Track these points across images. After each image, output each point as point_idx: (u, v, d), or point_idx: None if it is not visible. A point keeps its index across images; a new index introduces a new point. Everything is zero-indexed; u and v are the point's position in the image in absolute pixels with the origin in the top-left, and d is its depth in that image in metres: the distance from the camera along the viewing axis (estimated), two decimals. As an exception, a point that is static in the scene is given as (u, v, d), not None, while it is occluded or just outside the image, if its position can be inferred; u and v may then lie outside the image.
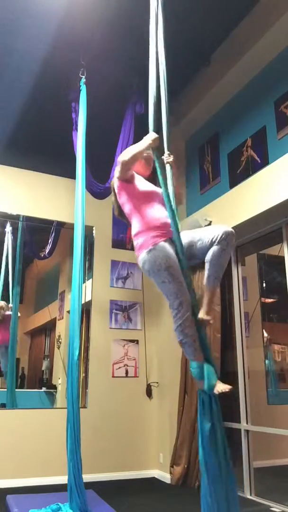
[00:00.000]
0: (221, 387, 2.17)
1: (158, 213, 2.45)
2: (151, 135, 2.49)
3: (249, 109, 4.33)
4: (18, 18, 3.82)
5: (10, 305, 5.44)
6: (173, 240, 2.35)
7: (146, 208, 2.48)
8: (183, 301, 2.25)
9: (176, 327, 2.26)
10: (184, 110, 5.05)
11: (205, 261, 2.39)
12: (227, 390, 2.15)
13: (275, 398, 5.06)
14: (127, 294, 5.26)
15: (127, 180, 2.57)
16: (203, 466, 2.17)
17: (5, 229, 5.49)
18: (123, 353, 5.07)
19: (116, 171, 2.57)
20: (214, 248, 2.34)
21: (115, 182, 2.64)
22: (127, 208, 2.57)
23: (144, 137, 2.49)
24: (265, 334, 5.19)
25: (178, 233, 2.34)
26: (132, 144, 2.72)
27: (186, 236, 2.45)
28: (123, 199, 2.59)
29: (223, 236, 2.33)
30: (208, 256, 2.36)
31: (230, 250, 2.39)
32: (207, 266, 2.39)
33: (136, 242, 2.44)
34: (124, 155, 2.49)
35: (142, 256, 2.37)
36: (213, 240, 2.33)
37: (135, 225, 2.49)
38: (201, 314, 2.35)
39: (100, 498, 3.47)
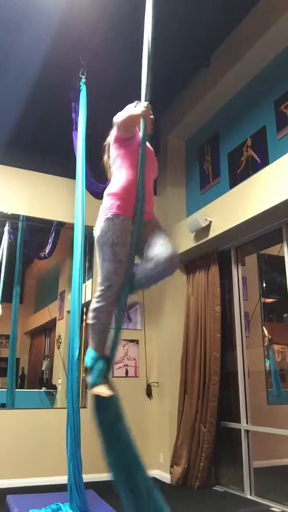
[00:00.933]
0: (101, 390, 2.03)
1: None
2: (144, 103, 2.26)
3: (249, 109, 4.33)
4: (18, 18, 3.82)
5: None
6: (134, 220, 2.18)
7: (132, 171, 2.25)
8: (113, 285, 2.12)
9: (93, 308, 2.14)
10: (184, 110, 5.05)
11: (138, 268, 2.20)
12: (104, 395, 2.02)
13: (276, 398, 5.05)
14: (127, 294, 5.26)
15: (127, 137, 2.34)
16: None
17: (4, 229, 5.50)
18: (123, 353, 5.07)
19: (117, 130, 2.31)
20: (149, 267, 2.14)
21: (112, 137, 2.40)
22: (116, 164, 2.32)
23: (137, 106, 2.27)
24: (266, 334, 5.19)
25: (141, 211, 2.18)
26: None
27: (153, 228, 2.27)
28: (115, 154, 2.34)
29: (162, 266, 2.11)
30: (142, 268, 2.18)
31: (162, 278, 2.18)
32: (138, 275, 2.18)
33: (102, 204, 2.26)
34: (119, 118, 2.25)
35: (99, 222, 2.21)
36: (153, 260, 2.12)
37: (113, 184, 2.29)
38: None
39: (100, 498, 3.47)
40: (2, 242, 5.54)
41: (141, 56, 2.50)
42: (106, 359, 2.14)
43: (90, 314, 2.16)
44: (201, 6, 3.84)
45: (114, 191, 2.25)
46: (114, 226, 2.16)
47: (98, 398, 2.10)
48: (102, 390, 2.05)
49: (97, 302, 2.15)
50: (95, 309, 2.15)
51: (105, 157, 2.50)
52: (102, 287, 2.15)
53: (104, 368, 2.11)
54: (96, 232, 2.22)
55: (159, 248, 2.15)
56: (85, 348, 5.26)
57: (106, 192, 2.30)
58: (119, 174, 2.29)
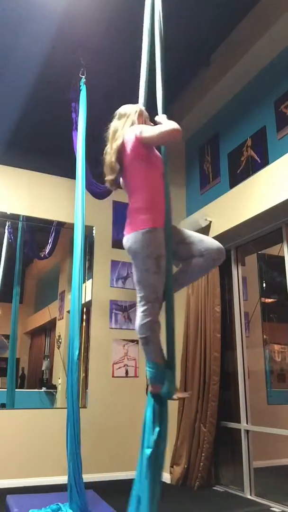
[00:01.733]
0: (181, 394, 2.12)
1: (163, 193, 2.29)
2: (163, 115, 2.38)
3: (249, 109, 4.33)
4: (18, 18, 3.82)
5: None
6: (165, 229, 2.22)
7: (157, 183, 2.28)
8: (159, 298, 2.14)
9: (144, 322, 2.12)
10: (184, 110, 5.05)
11: (183, 268, 2.32)
12: (186, 396, 2.16)
13: (276, 398, 5.06)
14: (127, 294, 5.25)
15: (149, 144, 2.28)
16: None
17: (4, 229, 5.49)
18: (123, 353, 5.07)
19: (147, 133, 2.21)
20: (201, 261, 2.26)
21: (130, 138, 2.25)
22: (137, 176, 2.26)
23: (168, 124, 2.25)
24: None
25: (170, 221, 2.25)
26: None
27: (179, 232, 2.35)
28: (136, 165, 2.26)
29: (216, 256, 2.27)
30: (189, 266, 2.29)
31: (213, 267, 2.36)
32: (183, 274, 2.32)
33: (133, 218, 2.20)
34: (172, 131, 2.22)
35: (135, 235, 2.15)
36: (205, 253, 2.25)
37: (140, 199, 2.22)
38: None
39: (100, 498, 3.47)
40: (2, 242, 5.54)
41: (142, 56, 2.51)
42: (170, 366, 2.19)
43: (143, 329, 2.13)
44: (201, 6, 3.84)
45: (145, 205, 2.21)
46: (155, 239, 2.15)
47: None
48: (181, 395, 2.16)
49: (147, 315, 2.12)
50: (147, 323, 2.12)
51: (113, 157, 2.31)
52: (150, 300, 2.12)
53: (172, 374, 2.18)
54: (136, 247, 2.14)
55: (206, 242, 2.32)
56: (85, 348, 5.27)
57: (135, 206, 2.23)
58: (142, 190, 2.25)
